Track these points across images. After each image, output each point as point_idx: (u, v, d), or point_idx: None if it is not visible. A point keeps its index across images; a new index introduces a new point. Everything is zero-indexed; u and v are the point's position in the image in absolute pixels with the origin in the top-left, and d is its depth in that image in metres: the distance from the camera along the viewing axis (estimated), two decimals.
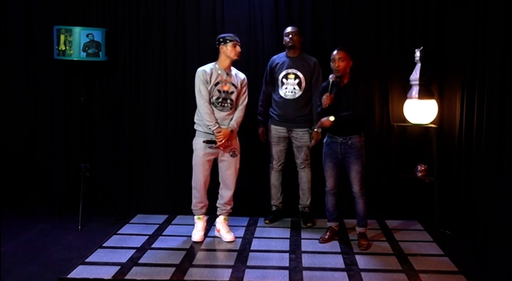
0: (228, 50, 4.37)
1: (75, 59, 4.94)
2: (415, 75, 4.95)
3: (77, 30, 4.89)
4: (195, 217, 4.60)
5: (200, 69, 4.42)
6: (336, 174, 4.42)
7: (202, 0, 5.34)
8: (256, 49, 5.32)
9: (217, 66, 4.43)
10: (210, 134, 4.40)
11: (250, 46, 5.32)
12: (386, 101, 5.25)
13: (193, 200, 4.56)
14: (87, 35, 4.90)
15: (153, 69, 5.42)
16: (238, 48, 4.39)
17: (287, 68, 4.82)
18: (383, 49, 5.22)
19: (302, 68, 4.80)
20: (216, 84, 4.38)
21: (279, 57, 4.93)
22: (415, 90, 4.96)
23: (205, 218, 4.64)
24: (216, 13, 5.34)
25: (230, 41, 4.37)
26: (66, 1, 5.42)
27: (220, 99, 4.40)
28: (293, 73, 4.81)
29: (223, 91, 4.40)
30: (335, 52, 4.26)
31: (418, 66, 4.93)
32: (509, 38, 4.00)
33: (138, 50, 5.43)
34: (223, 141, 4.35)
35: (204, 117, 4.36)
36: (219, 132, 4.34)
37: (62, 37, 4.88)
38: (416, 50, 4.95)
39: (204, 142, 4.40)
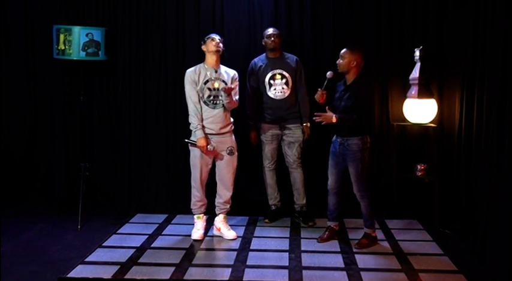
0: (208, 46, 4.43)
1: (75, 58, 4.94)
2: (415, 75, 4.95)
3: (76, 29, 4.89)
4: (195, 216, 4.61)
5: (188, 70, 4.49)
6: (336, 173, 4.40)
7: (202, 0, 5.34)
8: (256, 49, 5.31)
9: (204, 65, 4.48)
10: (208, 133, 4.43)
11: (250, 46, 5.33)
12: (386, 101, 5.25)
13: (193, 199, 4.58)
14: (87, 35, 4.91)
15: (153, 69, 5.42)
16: (216, 40, 4.42)
17: (272, 70, 4.84)
18: (383, 49, 5.22)
19: (287, 68, 4.84)
20: (205, 83, 4.43)
21: (261, 60, 4.93)
22: (414, 90, 4.96)
23: (205, 217, 4.65)
24: (216, 13, 5.34)
25: (208, 38, 4.44)
26: (66, 1, 5.42)
27: (212, 97, 4.44)
28: (279, 73, 4.83)
29: (214, 89, 4.44)
30: (342, 50, 4.27)
31: (418, 65, 4.93)
32: (509, 38, 4.00)
33: (138, 50, 5.43)
34: (203, 149, 4.39)
35: (190, 119, 4.42)
36: (200, 141, 4.37)
37: (62, 36, 4.88)
38: (415, 49, 4.95)
39: (186, 140, 4.45)
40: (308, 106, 4.86)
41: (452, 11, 5.04)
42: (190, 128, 4.48)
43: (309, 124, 4.88)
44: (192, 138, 4.48)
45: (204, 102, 4.44)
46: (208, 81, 4.43)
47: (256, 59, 4.97)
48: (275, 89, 4.84)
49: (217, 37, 4.45)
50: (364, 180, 4.28)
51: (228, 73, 4.54)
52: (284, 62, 4.87)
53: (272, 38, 4.80)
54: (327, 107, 4.22)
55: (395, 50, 5.21)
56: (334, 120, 4.13)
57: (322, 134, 4.89)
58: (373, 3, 5.20)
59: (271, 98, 4.85)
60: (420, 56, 4.92)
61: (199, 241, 4.50)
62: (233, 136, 4.59)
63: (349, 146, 4.24)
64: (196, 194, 4.55)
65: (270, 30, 4.85)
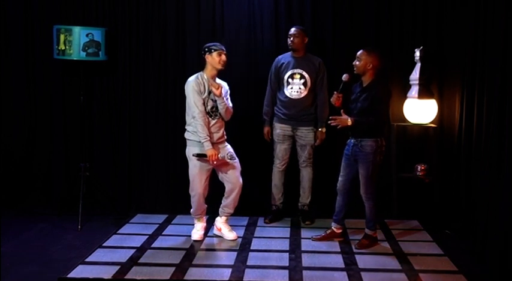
0: (214, 60, 4.33)
1: (75, 58, 4.94)
2: (415, 75, 4.95)
3: (76, 29, 4.89)
4: (195, 219, 4.60)
5: (192, 80, 4.36)
6: (347, 174, 4.37)
7: (202, 0, 5.34)
8: (256, 49, 5.32)
9: (205, 76, 4.39)
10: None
11: (250, 46, 5.32)
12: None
13: (193, 208, 4.56)
14: (87, 35, 4.90)
15: (153, 69, 5.42)
16: (223, 57, 4.35)
17: (293, 68, 4.83)
18: (383, 49, 5.21)
19: (307, 68, 4.82)
20: (209, 94, 4.37)
21: (284, 58, 4.93)
22: (414, 90, 4.96)
23: (205, 218, 4.65)
24: (216, 13, 5.34)
25: (215, 50, 4.33)
26: (66, 1, 5.41)
27: (214, 108, 4.40)
28: (299, 73, 4.82)
29: (215, 100, 4.39)
30: (359, 51, 4.24)
31: (418, 66, 4.94)
32: (509, 38, 4.00)
33: (138, 50, 5.42)
34: (214, 158, 4.30)
35: (198, 129, 4.30)
36: (210, 151, 4.27)
37: (62, 37, 4.88)
38: (416, 49, 4.95)
39: (194, 155, 4.36)
40: (327, 111, 4.79)
41: (452, 11, 5.04)
42: (188, 136, 4.42)
43: (324, 129, 4.83)
44: (195, 150, 4.37)
45: (208, 113, 4.37)
46: (211, 92, 4.37)
47: (280, 56, 4.96)
48: (292, 88, 4.83)
49: (224, 52, 4.35)
50: (372, 182, 4.26)
51: (223, 86, 4.49)
52: (306, 62, 4.84)
53: (291, 38, 4.78)
54: (341, 111, 4.20)
55: (395, 50, 5.21)
56: (349, 123, 4.11)
57: (336, 137, 4.87)
58: (373, 3, 5.20)
59: (287, 96, 4.85)
60: (420, 56, 4.92)
61: (200, 242, 4.50)
62: (226, 144, 4.55)
63: (362, 147, 4.22)
64: (196, 204, 4.51)
65: (292, 30, 4.81)
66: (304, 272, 3.84)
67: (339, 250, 4.30)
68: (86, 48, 4.92)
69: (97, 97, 5.51)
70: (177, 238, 4.60)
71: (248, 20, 5.32)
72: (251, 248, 4.35)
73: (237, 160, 4.55)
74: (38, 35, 5.46)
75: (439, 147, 5.06)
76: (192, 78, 4.40)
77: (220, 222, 4.61)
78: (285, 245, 4.41)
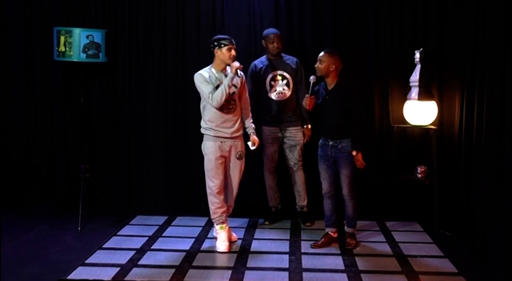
0: (224, 55, 4.24)
1: (75, 60, 4.94)
2: (415, 77, 4.95)
3: (76, 31, 4.89)
4: (217, 226, 4.39)
5: (197, 73, 4.28)
6: (330, 176, 4.38)
7: (202, 0, 5.34)
8: (256, 49, 5.31)
9: (213, 70, 4.31)
10: (221, 137, 4.28)
11: (250, 46, 5.32)
12: (386, 102, 5.25)
13: (212, 208, 4.37)
14: (87, 36, 4.90)
15: (153, 70, 5.42)
16: (233, 52, 4.25)
17: (273, 71, 4.83)
18: (383, 50, 5.22)
19: (287, 68, 4.83)
20: (216, 87, 4.25)
21: (261, 62, 4.91)
22: (415, 92, 4.96)
23: (228, 227, 4.46)
24: (216, 13, 5.34)
25: (225, 45, 4.23)
26: (66, 2, 5.42)
27: (225, 102, 4.27)
28: (280, 74, 4.83)
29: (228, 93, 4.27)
30: (320, 53, 4.26)
31: (418, 67, 4.93)
32: (509, 38, 4.00)
33: (138, 50, 5.42)
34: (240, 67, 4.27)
35: (218, 94, 4.17)
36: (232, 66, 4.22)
37: (62, 38, 4.88)
38: (416, 51, 4.94)
39: (251, 150, 4.42)
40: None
41: (452, 11, 5.04)
42: (204, 132, 4.33)
43: (310, 126, 4.86)
44: (210, 145, 4.30)
45: (219, 108, 4.26)
46: (219, 85, 4.25)
47: (256, 61, 4.95)
48: (276, 90, 4.83)
49: (234, 46, 4.25)
50: (355, 181, 4.31)
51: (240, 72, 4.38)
52: (284, 63, 4.86)
53: (275, 44, 4.76)
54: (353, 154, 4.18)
55: (395, 51, 5.20)
56: (356, 153, 4.16)
57: None
58: (373, 4, 5.19)
59: (273, 99, 4.84)
60: (420, 58, 4.91)
61: (199, 243, 4.49)
62: (243, 140, 4.46)
63: (343, 148, 4.23)
64: (215, 201, 4.33)
65: (271, 35, 4.78)
66: (304, 274, 3.84)
67: (339, 252, 4.30)
68: (86, 49, 4.92)
69: (97, 98, 5.51)
70: (177, 239, 4.60)
71: (248, 21, 5.32)
72: (251, 250, 4.35)
73: (243, 159, 4.46)
74: (38, 36, 5.46)
75: (439, 149, 5.05)
76: (198, 72, 4.30)
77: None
78: (285, 247, 4.41)
